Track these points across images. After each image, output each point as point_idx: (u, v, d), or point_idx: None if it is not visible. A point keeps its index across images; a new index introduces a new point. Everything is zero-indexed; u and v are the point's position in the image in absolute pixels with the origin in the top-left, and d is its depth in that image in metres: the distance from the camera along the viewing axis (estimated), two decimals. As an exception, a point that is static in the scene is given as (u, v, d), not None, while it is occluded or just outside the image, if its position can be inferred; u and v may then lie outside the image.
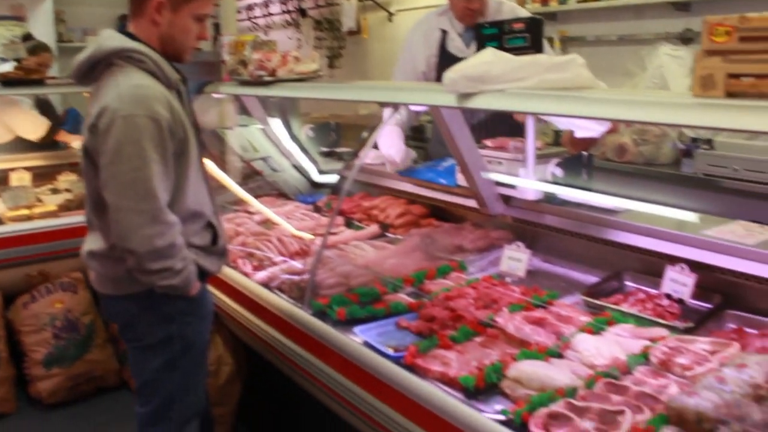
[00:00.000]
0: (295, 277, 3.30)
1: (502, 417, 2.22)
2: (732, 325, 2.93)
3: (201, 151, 2.92)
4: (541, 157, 3.56)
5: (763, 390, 2.24)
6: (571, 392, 2.29)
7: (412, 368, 2.54)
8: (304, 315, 3.06)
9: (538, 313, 2.85)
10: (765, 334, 2.80)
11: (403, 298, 3.12)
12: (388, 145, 4.41)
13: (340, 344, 2.79)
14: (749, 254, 2.84)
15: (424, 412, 2.37)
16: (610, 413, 2.14)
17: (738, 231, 3.07)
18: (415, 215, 4.15)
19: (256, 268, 3.65)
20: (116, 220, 2.59)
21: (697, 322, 2.85)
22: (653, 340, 2.69)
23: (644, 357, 2.53)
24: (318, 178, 5.16)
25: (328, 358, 2.86)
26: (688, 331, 2.80)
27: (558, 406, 2.20)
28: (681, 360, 2.47)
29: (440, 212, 4.27)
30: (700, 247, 2.99)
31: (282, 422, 4.28)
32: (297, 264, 3.53)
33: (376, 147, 4.53)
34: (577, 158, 3.63)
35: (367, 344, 2.73)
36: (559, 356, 2.58)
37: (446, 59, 4.36)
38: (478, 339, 2.71)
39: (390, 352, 2.64)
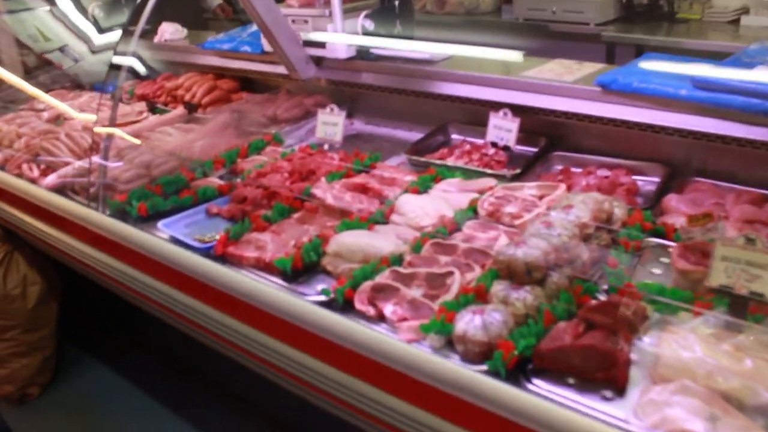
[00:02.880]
0: (91, 178, 2.87)
1: (323, 297, 2.00)
2: (559, 167, 2.84)
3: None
4: (350, 11, 3.23)
5: (590, 228, 2.15)
6: (397, 259, 2.11)
7: (225, 258, 2.26)
8: (99, 216, 2.67)
9: (359, 179, 2.62)
10: (590, 171, 2.73)
11: (214, 181, 2.79)
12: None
13: (141, 243, 2.45)
14: (570, 92, 2.72)
15: (239, 304, 2.12)
16: (438, 276, 1.97)
17: (556, 69, 2.94)
18: (224, 90, 3.76)
19: (45, 172, 3.17)
20: None
21: (524, 168, 2.73)
22: (481, 191, 2.55)
23: (472, 210, 2.38)
24: (99, 40, 4.57)
25: (132, 260, 2.52)
26: (515, 178, 2.68)
27: (383, 277, 2.01)
28: (509, 209, 2.33)
29: (251, 84, 3.89)
30: (522, 89, 2.84)
31: (109, 334, 3.95)
32: (93, 161, 3.07)
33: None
34: (390, 9, 3.34)
35: (173, 239, 2.41)
36: (384, 222, 2.39)
37: None
38: (296, 215, 2.46)
39: (196, 243, 2.34)
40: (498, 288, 1.90)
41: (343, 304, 1.96)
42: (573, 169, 2.78)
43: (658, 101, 2.54)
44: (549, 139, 2.92)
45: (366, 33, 3.21)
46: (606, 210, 2.23)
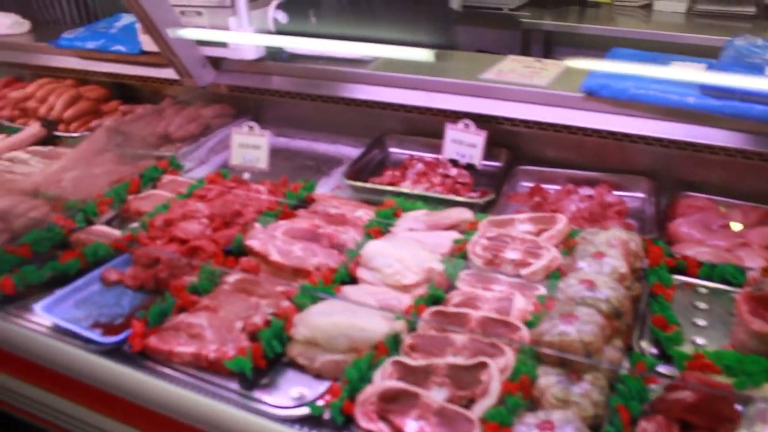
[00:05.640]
0: None
1: (306, 411, 1.42)
2: (526, 183, 2.39)
3: None
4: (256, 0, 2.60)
5: (628, 280, 1.70)
6: (394, 343, 1.56)
7: (145, 354, 1.61)
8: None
9: (303, 221, 2.02)
10: (569, 190, 2.30)
11: (103, 233, 2.09)
12: None
13: (13, 339, 1.73)
14: (551, 99, 2.26)
15: (180, 429, 1.49)
16: (465, 370, 1.44)
17: (519, 70, 2.47)
18: (92, 100, 3.01)
19: None
20: None
21: (495, 190, 2.25)
22: (455, 227, 2.05)
23: (462, 258, 1.87)
24: None
25: (2, 366, 1.79)
26: (489, 205, 2.20)
27: (388, 376, 1.46)
28: (510, 254, 1.84)
29: (126, 91, 3.15)
30: (486, 96, 2.35)
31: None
32: None
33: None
34: (302, -4, 2.74)
35: (59, 329, 1.72)
36: (352, 281, 1.82)
37: None
38: (230, 280, 1.83)
39: (98, 336, 1.66)
40: (549, 381, 1.41)
41: (341, 423, 1.39)
42: (544, 186, 2.34)
43: (658, 110, 2.14)
44: (511, 152, 2.46)
45: (279, 28, 2.60)
46: (634, 252, 1.79)
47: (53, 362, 1.66)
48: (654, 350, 1.59)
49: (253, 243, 1.89)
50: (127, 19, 3.18)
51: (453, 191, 2.27)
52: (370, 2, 2.95)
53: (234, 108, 2.87)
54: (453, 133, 2.37)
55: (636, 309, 1.69)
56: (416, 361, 1.49)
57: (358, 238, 1.98)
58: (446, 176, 2.31)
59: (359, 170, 2.44)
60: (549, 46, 4.40)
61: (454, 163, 2.38)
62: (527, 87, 2.29)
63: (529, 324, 1.58)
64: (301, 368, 1.57)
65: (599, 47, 4.02)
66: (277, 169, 2.45)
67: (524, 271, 1.79)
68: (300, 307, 1.66)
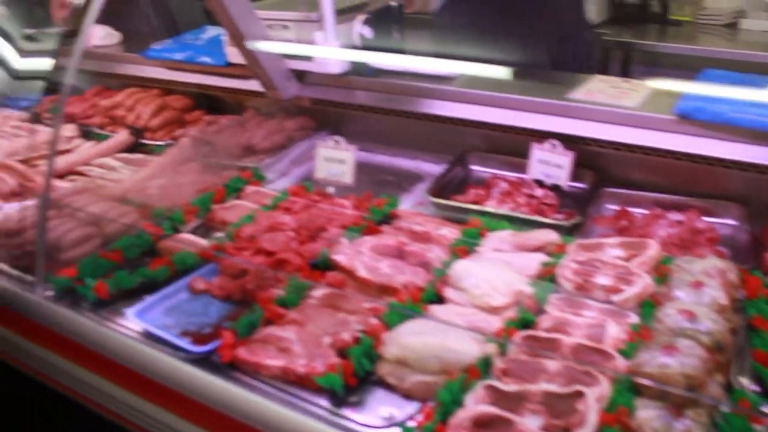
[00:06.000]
0: (18, 239, 2.13)
1: (398, 433, 1.41)
2: (612, 206, 2.34)
3: None
4: (344, 14, 2.62)
5: (728, 312, 1.64)
6: (485, 366, 1.53)
7: (234, 366, 1.63)
8: (37, 301, 1.95)
9: (389, 238, 2.02)
10: (657, 215, 2.24)
11: (189, 241, 2.12)
12: None
13: (107, 343, 1.77)
14: (642, 121, 2.21)
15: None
16: (561, 398, 1.41)
17: (607, 90, 2.42)
18: (177, 110, 3.07)
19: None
20: None
21: (581, 212, 2.21)
22: (542, 248, 2.01)
23: (551, 281, 1.84)
24: (21, 64, 3.74)
25: (95, 366, 1.83)
26: (575, 228, 2.15)
27: (481, 400, 1.43)
28: (601, 280, 1.80)
29: (210, 102, 3.21)
30: (574, 116, 2.31)
31: None
32: (12, 210, 2.32)
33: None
34: (386, 11, 2.74)
35: (150, 336, 1.75)
36: (439, 300, 1.81)
37: None
38: (317, 294, 1.84)
39: (188, 345, 1.68)
40: (649, 415, 1.36)
41: (429, 445, 1.37)
42: (630, 210, 2.28)
43: (755, 134, 2.07)
44: (597, 174, 2.41)
45: (364, 43, 2.61)
46: (732, 282, 1.73)
47: (144, 368, 1.69)
48: (755, 387, 1.52)
49: (340, 258, 1.89)
50: (212, 31, 3.24)
51: (539, 212, 2.23)
52: (477, 21, 2.93)
53: (315, 121, 2.88)
54: (539, 153, 2.33)
55: (741, 347, 1.62)
56: (509, 386, 1.46)
57: (443, 257, 1.96)
58: (531, 196, 2.28)
59: (442, 187, 2.43)
60: (628, 65, 4.31)
61: (540, 183, 2.34)
62: (617, 108, 2.24)
63: (624, 353, 1.53)
64: (390, 387, 1.56)
65: (682, 67, 3.93)
66: (358, 184, 2.45)
67: (616, 298, 1.75)
68: (389, 325, 1.65)
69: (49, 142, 2.21)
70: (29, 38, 3.82)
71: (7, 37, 3.82)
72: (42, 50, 3.58)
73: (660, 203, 2.29)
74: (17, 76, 3.70)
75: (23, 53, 3.75)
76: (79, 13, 2.15)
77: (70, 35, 2.12)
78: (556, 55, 2.98)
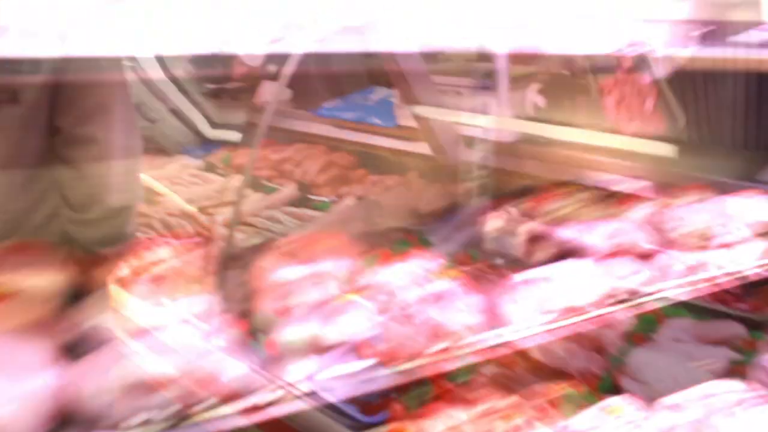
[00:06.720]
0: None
1: None
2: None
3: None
4: (516, 80, 2.60)
5: None
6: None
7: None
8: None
9: (561, 317, 1.93)
10: None
11: (357, 304, 2.12)
12: None
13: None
14: None
15: None
16: None
17: None
18: (342, 167, 3.14)
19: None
20: None
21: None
22: (726, 343, 1.87)
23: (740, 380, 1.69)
24: (209, 132, 3.97)
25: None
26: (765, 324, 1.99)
27: None
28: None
29: (371, 160, 3.26)
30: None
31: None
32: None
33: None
34: (563, 79, 2.70)
35: (316, 396, 1.74)
36: (616, 390, 1.70)
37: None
38: (488, 372, 1.78)
39: (355, 412, 1.66)
40: None
41: None
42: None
43: None
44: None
45: (538, 113, 2.58)
46: None
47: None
48: None
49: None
50: (380, 92, 3.31)
51: (721, 301, 2.08)
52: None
53: (481, 188, 2.86)
54: (723, 237, 2.18)
55: None
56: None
57: (618, 343, 1.86)
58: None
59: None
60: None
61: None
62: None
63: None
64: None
65: None
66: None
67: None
68: (565, 414, 1.57)
69: (219, 192, 2.31)
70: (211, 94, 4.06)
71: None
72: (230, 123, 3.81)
73: None
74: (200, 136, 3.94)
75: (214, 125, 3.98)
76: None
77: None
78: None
